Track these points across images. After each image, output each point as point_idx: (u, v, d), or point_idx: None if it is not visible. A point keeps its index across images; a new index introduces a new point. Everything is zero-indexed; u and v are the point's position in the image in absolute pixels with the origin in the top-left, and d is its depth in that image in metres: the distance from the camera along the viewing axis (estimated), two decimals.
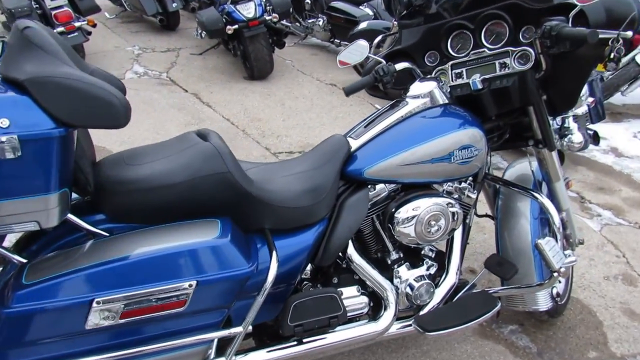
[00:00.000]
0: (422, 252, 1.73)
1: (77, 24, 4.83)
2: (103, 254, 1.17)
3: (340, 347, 1.57)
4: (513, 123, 1.79)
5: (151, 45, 6.33)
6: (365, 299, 1.63)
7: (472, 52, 1.71)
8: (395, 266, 1.69)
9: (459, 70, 1.73)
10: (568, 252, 1.71)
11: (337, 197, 1.58)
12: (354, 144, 1.61)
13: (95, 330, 1.11)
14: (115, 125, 1.11)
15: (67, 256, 1.19)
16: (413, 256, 1.72)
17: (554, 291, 1.84)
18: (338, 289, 1.53)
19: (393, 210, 1.58)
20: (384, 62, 1.79)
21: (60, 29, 4.73)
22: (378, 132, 1.60)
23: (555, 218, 1.68)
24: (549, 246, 1.61)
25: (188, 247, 1.18)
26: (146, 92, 4.73)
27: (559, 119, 2.01)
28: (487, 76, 1.67)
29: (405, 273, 1.68)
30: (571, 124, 1.96)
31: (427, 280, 1.67)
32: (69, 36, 4.82)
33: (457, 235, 1.76)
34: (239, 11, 4.72)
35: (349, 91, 1.79)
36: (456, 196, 1.72)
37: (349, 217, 1.56)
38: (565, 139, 1.97)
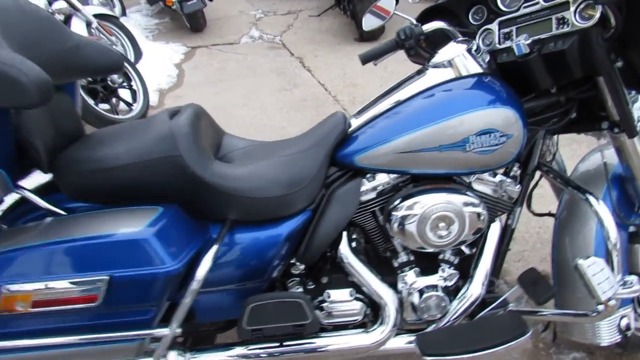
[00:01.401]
0: (441, 256, 1.42)
1: None
2: (61, 230, 1.14)
3: (322, 356, 1.37)
4: (581, 98, 1.35)
5: (274, 8, 6.36)
6: (358, 305, 1.39)
7: (524, 4, 1.30)
8: (402, 270, 1.41)
9: (507, 30, 1.34)
10: (632, 278, 1.25)
11: (328, 185, 1.35)
12: (354, 124, 1.36)
13: (10, 315, 1.09)
14: (26, 104, 1.03)
15: (9, 235, 1.18)
16: (427, 260, 1.42)
17: (623, 322, 1.39)
18: (306, 296, 1.31)
19: (392, 205, 1.30)
20: (412, 21, 1.48)
21: None
22: (380, 111, 1.31)
23: (611, 232, 1.24)
24: (594, 269, 1.19)
25: (104, 238, 1.08)
26: (253, 57, 4.77)
27: None
28: (537, 37, 1.26)
29: (412, 279, 1.39)
30: None
31: (438, 292, 1.37)
32: (188, 3, 5.03)
33: (491, 237, 1.41)
34: None
35: (365, 59, 1.51)
36: (491, 191, 1.36)
37: (335, 211, 1.32)
38: None
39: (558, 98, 1.33)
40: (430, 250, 1.34)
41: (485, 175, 1.36)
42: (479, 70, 1.31)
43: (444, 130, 1.22)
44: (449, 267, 1.41)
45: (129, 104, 3.58)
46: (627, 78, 1.24)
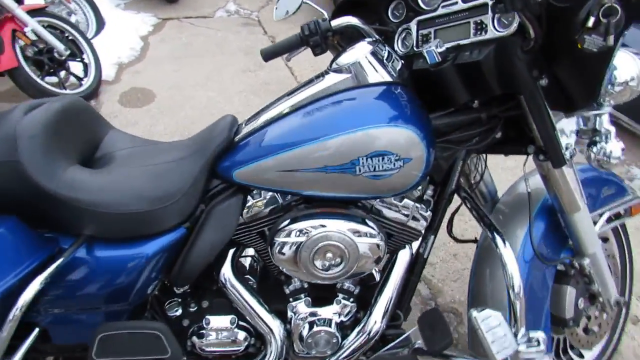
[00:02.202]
0: (339, 285, 1.27)
1: None
2: None
3: None
4: (507, 117, 1.17)
5: None
6: (240, 334, 1.24)
7: (443, 3, 1.12)
8: (294, 298, 1.26)
9: (426, 31, 1.16)
10: (538, 335, 1.09)
11: (209, 199, 1.18)
12: (244, 131, 1.18)
13: None
14: None
15: None
16: (322, 289, 1.26)
17: None
18: (165, 326, 1.15)
19: (276, 228, 1.14)
20: (323, 13, 1.30)
21: None
22: (268, 119, 1.13)
23: (515, 280, 1.07)
24: (489, 324, 1.04)
25: None
26: (224, 33, 4.54)
27: (583, 116, 1.28)
28: (452, 43, 1.08)
29: (302, 310, 1.24)
30: (605, 124, 1.20)
31: (329, 327, 1.22)
32: None
33: (398, 266, 1.25)
34: None
35: (266, 55, 1.34)
36: (395, 216, 1.19)
37: (213, 229, 1.16)
38: (595, 149, 1.22)
39: (479, 115, 1.16)
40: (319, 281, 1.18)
41: (390, 198, 1.19)
42: (386, 78, 1.13)
43: (329, 149, 1.04)
44: (346, 299, 1.25)
45: (79, 78, 3.37)
46: (553, 98, 1.07)
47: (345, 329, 1.26)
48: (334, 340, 1.23)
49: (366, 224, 1.13)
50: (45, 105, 1.16)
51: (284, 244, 1.12)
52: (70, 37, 3.35)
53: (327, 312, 1.24)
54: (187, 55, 4.07)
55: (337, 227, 1.10)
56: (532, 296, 1.22)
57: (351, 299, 1.26)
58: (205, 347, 1.25)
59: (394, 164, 1.04)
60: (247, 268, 1.32)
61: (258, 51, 4.33)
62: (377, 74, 1.12)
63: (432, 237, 1.28)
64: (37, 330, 1.16)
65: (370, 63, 1.12)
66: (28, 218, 1.08)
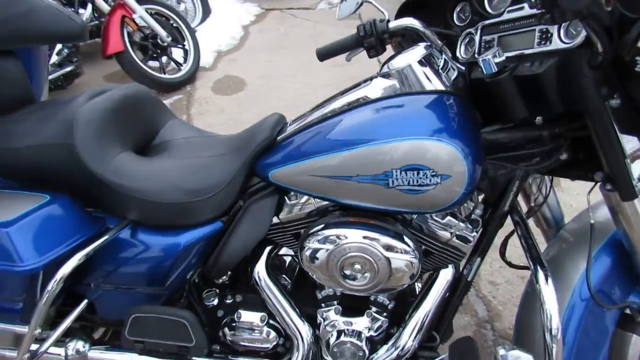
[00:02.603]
0: (372, 297, 1.22)
1: None
2: None
3: None
4: (575, 137, 1.04)
5: None
6: (270, 332, 1.24)
7: (510, 7, 1.02)
8: (325, 305, 1.23)
9: (490, 37, 1.06)
10: None
11: (249, 196, 1.19)
12: (288, 130, 1.17)
13: None
14: None
15: None
16: (355, 300, 1.22)
17: None
18: (193, 316, 1.18)
19: (308, 233, 1.12)
20: (384, 13, 1.25)
21: None
22: (309, 122, 1.11)
23: (553, 321, 0.95)
24: None
25: None
26: (322, 25, 4.57)
27: None
28: (512, 53, 0.98)
29: (332, 317, 1.21)
30: None
31: (357, 340, 1.18)
32: None
33: (438, 285, 1.17)
34: None
35: (321, 55, 1.31)
36: (436, 234, 1.12)
37: (247, 227, 1.17)
38: None
39: (540, 133, 1.04)
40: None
41: (433, 215, 1.12)
42: (437, 86, 1.05)
43: (362, 159, 0.99)
44: (379, 313, 1.20)
45: (178, 64, 3.59)
46: (627, 121, 0.93)
47: (375, 343, 1.21)
48: (360, 354, 1.18)
49: (400, 239, 1.07)
50: (108, 92, 1.23)
51: (313, 249, 1.09)
52: (174, 25, 3.56)
53: (356, 323, 1.20)
54: (282, 46, 4.16)
55: (367, 239, 1.06)
56: (586, 340, 1.09)
57: (384, 314, 1.21)
58: (235, 341, 1.26)
59: (430, 180, 0.97)
60: (285, 268, 1.32)
61: None
62: (425, 82, 1.05)
63: (479, 259, 1.18)
64: (85, 302, 1.25)
65: (419, 69, 1.05)
66: (80, 197, 1.16)
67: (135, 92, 1.30)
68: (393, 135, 0.98)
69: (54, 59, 3.14)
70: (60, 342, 1.26)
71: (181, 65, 3.58)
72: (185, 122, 1.44)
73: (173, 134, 1.35)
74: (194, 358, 1.20)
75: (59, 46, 3.14)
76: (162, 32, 3.35)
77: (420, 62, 1.05)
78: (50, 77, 3.12)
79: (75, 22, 1.43)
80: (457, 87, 1.07)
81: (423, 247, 1.14)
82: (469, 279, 1.19)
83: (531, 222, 1.34)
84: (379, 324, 1.20)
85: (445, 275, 1.17)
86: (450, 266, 1.17)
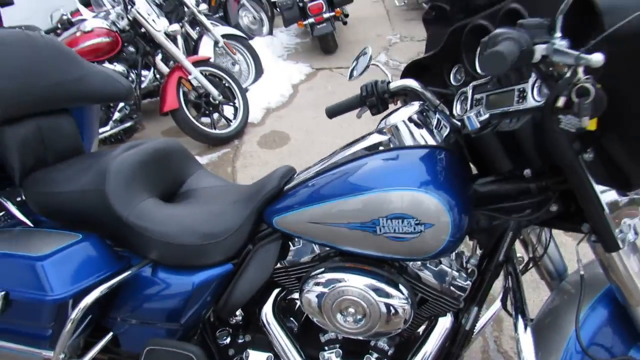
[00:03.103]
0: (372, 342, 1.26)
1: (325, 16, 5.16)
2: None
3: None
4: (561, 189, 1.08)
5: (413, 33, 6.23)
6: None
7: None
8: (327, 348, 1.28)
9: (479, 96, 1.14)
10: None
11: (257, 241, 1.29)
12: (293, 182, 1.27)
13: None
14: None
15: None
16: (356, 344, 1.26)
17: None
18: (200, 351, 1.25)
19: (308, 276, 1.19)
20: (387, 75, 1.36)
21: (311, 20, 5.16)
22: (312, 173, 1.21)
23: None
24: None
25: (8, 256, 1.18)
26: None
27: None
28: (497, 110, 1.05)
29: None
30: None
31: None
32: (318, 27, 5.21)
33: (436, 333, 1.20)
34: None
35: (330, 113, 1.42)
36: (430, 282, 1.17)
37: (254, 269, 1.26)
38: None
39: (528, 185, 1.08)
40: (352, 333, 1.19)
41: (426, 263, 1.17)
42: (429, 141, 1.13)
43: (353, 207, 1.07)
44: (378, 358, 1.24)
45: (228, 120, 3.84)
46: (603, 173, 0.96)
47: None
48: None
49: (394, 285, 1.12)
50: (141, 146, 1.40)
51: (311, 292, 1.16)
52: (226, 84, 3.85)
53: None
54: (328, 102, 4.31)
55: (359, 284, 1.12)
56: None
57: (384, 359, 1.24)
58: None
59: (414, 228, 1.03)
60: (293, 310, 1.39)
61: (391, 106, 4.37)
62: (417, 137, 1.13)
63: (476, 309, 1.20)
64: (110, 334, 1.37)
65: (408, 126, 1.13)
66: (109, 238, 1.30)
67: (165, 146, 1.45)
68: (381, 186, 1.05)
69: (116, 115, 3.48)
70: None
71: (231, 121, 3.84)
72: (212, 172, 1.58)
73: (198, 183, 1.49)
74: None
75: (121, 104, 3.49)
76: (214, 92, 3.63)
77: (411, 119, 1.14)
78: (112, 131, 3.45)
79: (122, 85, 1.64)
80: (449, 142, 1.14)
81: (419, 294, 1.19)
82: (467, 328, 1.21)
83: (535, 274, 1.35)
84: None
85: (444, 323, 1.20)
86: (449, 314, 1.20)
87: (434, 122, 1.17)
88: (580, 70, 0.78)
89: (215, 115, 3.78)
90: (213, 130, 3.71)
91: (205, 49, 4.28)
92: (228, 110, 3.89)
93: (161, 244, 1.25)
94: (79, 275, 1.20)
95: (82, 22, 3.44)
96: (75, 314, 1.16)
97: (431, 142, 1.13)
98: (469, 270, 1.18)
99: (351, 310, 1.14)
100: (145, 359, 1.27)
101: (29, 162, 1.39)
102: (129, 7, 3.35)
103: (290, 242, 1.26)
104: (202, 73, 3.61)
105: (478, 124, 1.04)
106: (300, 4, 5.27)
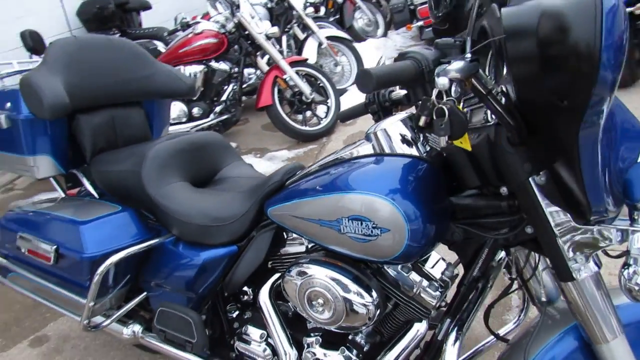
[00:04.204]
0: (351, 335, 1.33)
1: None
2: (59, 207, 1.62)
3: None
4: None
5: None
6: (266, 349, 1.44)
7: None
8: (311, 334, 1.38)
9: (467, 110, 1.17)
10: None
11: (260, 229, 1.43)
12: (294, 178, 1.39)
13: (18, 252, 1.60)
14: (40, 115, 1.48)
15: (49, 202, 1.69)
16: (336, 335, 1.34)
17: None
18: (199, 317, 1.43)
19: (291, 266, 1.31)
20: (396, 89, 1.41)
21: (419, 23, 5.15)
22: (307, 172, 1.32)
23: None
24: None
25: (61, 218, 1.47)
26: None
27: (616, 232, 0.94)
28: (472, 126, 1.08)
29: (313, 346, 1.35)
30: (637, 244, 0.88)
31: None
32: (427, 30, 5.18)
33: (408, 337, 1.24)
34: None
35: (342, 118, 1.50)
36: (402, 287, 1.22)
37: (251, 254, 1.41)
38: (625, 273, 0.90)
39: (500, 203, 1.08)
40: (315, 322, 1.28)
41: (398, 267, 1.22)
42: (406, 151, 1.18)
43: (324, 205, 1.16)
44: (350, 350, 1.31)
45: (319, 118, 4.03)
46: (557, 200, 0.94)
47: None
48: None
49: (360, 284, 1.19)
50: (182, 137, 1.62)
51: (289, 279, 1.28)
52: (321, 84, 4.04)
53: (331, 356, 1.32)
54: None
55: (328, 278, 1.20)
56: None
57: (358, 354, 1.31)
58: (241, 350, 1.49)
59: (372, 231, 1.09)
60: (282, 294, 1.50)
61: None
62: (394, 146, 1.18)
63: (448, 320, 1.22)
64: (144, 294, 1.61)
65: (389, 135, 1.19)
66: (145, 210, 1.55)
67: (205, 138, 1.66)
68: (348, 189, 1.13)
69: (218, 108, 3.86)
70: (123, 322, 1.65)
71: (321, 119, 4.02)
72: (248, 164, 1.75)
73: (230, 173, 1.68)
74: (193, 356, 1.46)
75: (223, 98, 3.87)
76: (306, 91, 3.84)
77: (394, 128, 1.19)
78: (212, 122, 3.83)
79: (185, 83, 1.89)
80: (431, 154, 1.17)
81: (392, 298, 1.24)
82: (439, 338, 1.23)
83: None
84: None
85: (418, 328, 1.24)
86: (424, 321, 1.24)
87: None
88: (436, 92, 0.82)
89: (308, 113, 3.99)
90: (303, 127, 3.93)
91: (309, 50, 4.52)
92: (321, 109, 4.07)
93: (178, 222, 1.45)
94: (110, 239, 1.45)
95: (196, 24, 3.86)
96: (101, 269, 1.40)
97: (410, 151, 1.17)
98: (442, 281, 1.21)
99: (320, 301, 1.23)
100: (158, 317, 1.49)
101: (99, 145, 1.69)
102: (235, 11, 3.69)
103: (284, 233, 1.38)
104: (298, 73, 3.84)
105: (446, 139, 1.07)
106: (412, 7, 5.29)
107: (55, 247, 1.47)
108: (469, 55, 0.83)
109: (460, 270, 1.27)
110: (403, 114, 1.24)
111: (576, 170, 0.83)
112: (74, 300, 1.52)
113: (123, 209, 1.52)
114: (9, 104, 1.60)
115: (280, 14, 4.46)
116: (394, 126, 1.20)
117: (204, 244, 1.45)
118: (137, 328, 1.63)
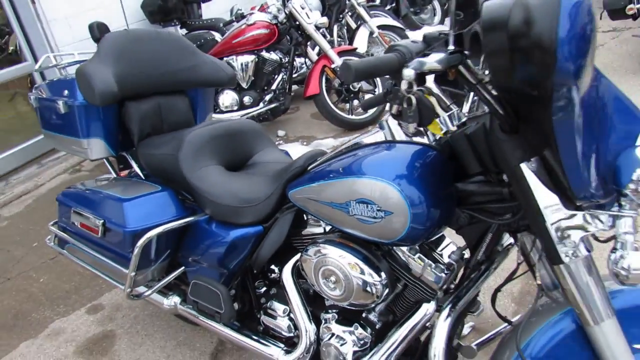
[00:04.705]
0: (364, 313, 1.40)
1: None
2: (108, 186, 1.79)
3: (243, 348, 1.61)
4: None
5: (601, 23, 5.59)
6: (288, 324, 1.54)
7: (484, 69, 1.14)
8: (328, 310, 1.46)
9: (476, 98, 1.20)
10: None
11: (284, 210, 1.52)
12: (315, 163, 1.47)
13: (75, 227, 1.78)
14: (92, 102, 1.65)
15: (102, 181, 1.87)
16: (352, 312, 1.42)
17: None
18: (227, 290, 1.54)
19: (309, 245, 1.39)
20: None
21: None
22: (327, 157, 1.39)
23: (437, 348, 0.99)
24: None
25: (108, 196, 1.63)
26: None
27: (607, 217, 0.92)
28: (469, 115, 1.12)
29: (330, 322, 1.44)
30: (622, 229, 0.86)
31: (341, 346, 1.38)
32: None
33: (415, 317, 1.29)
34: None
35: (364, 106, 1.56)
36: (410, 267, 1.27)
37: (274, 234, 1.50)
38: (612, 257, 0.90)
39: (501, 189, 1.11)
40: (330, 298, 1.36)
41: (406, 249, 1.27)
42: (419, 139, 1.22)
43: (334, 188, 1.23)
44: (364, 328, 1.38)
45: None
46: (547, 182, 0.97)
47: (358, 354, 1.38)
48: (341, 358, 1.38)
49: (369, 264, 1.26)
50: (216, 124, 1.74)
51: (306, 258, 1.37)
52: None
53: (344, 332, 1.40)
54: None
55: (338, 257, 1.28)
56: None
57: (371, 331, 1.38)
58: (266, 323, 1.60)
59: (376, 214, 1.15)
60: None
61: None
62: (403, 134, 1.23)
63: (452, 300, 1.26)
64: (182, 268, 1.75)
65: (400, 124, 1.24)
66: (183, 191, 1.68)
67: (240, 125, 1.77)
68: (357, 173, 1.20)
69: (267, 97, 3.99)
70: (164, 293, 1.80)
71: (368, 110, 4.05)
72: (281, 150, 1.85)
73: (263, 158, 1.78)
74: (223, 327, 1.59)
75: (273, 86, 4.00)
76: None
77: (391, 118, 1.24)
78: (261, 110, 3.97)
79: (226, 73, 2.01)
80: (439, 142, 1.21)
81: (401, 279, 1.30)
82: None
83: None
84: (363, 338, 1.38)
85: (426, 309, 1.29)
86: (432, 302, 1.29)
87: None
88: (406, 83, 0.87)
89: (355, 102, 4.03)
90: (349, 116, 3.98)
91: (360, 39, 4.54)
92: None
93: (210, 202, 1.57)
94: (150, 216, 1.59)
95: (250, 15, 4.00)
96: (140, 242, 1.54)
97: (420, 139, 1.22)
98: (448, 264, 1.25)
99: (332, 278, 1.31)
100: (191, 289, 1.63)
101: (146, 130, 1.84)
102: (287, 1, 3.79)
103: (305, 215, 1.47)
104: None
105: (451, 126, 1.11)
106: None
107: (102, 221, 1.63)
108: (451, 47, 0.88)
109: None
110: None
111: (557, 156, 0.86)
112: (118, 270, 1.68)
113: (163, 189, 1.66)
114: (66, 92, 1.78)
115: (333, 4, 4.51)
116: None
117: (233, 223, 1.56)
118: (176, 300, 1.78)
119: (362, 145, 1.28)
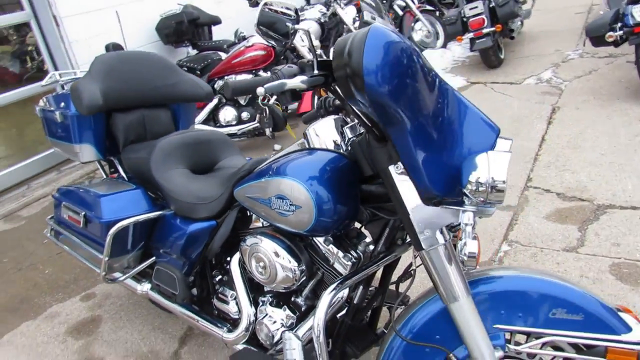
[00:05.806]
0: (293, 297, 1.63)
1: (485, 31, 5.19)
2: (93, 184, 2.08)
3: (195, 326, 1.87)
4: None
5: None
6: (234, 307, 1.78)
7: None
8: (265, 296, 1.70)
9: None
10: None
11: (233, 208, 1.77)
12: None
13: (65, 219, 2.07)
14: (80, 112, 1.94)
15: (92, 181, 2.16)
16: (282, 296, 1.66)
17: None
18: (181, 274, 1.80)
19: (247, 235, 1.64)
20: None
21: (470, 35, 5.25)
22: (268, 161, 1.64)
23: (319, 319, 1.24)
24: None
25: (90, 192, 1.92)
26: (513, 100, 4.67)
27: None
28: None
29: (265, 304, 1.68)
30: (464, 220, 1.07)
31: (270, 324, 1.61)
32: (477, 41, 5.27)
33: (326, 299, 1.52)
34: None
35: (304, 120, 1.80)
36: (323, 256, 1.52)
37: (223, 228, 1.75)
38: (459, 245, 1.12)
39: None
40: (265, 282, 1.60)
41: (320, 240, 1.51)
42: (330, 147, 1.47)
43: (261, 187, 1.48)
44: (292, 310, 1.61)
45: None
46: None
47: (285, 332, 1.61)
48: (270, 335, 1.61)
49: (290, 252, 1.50)
50: (188, 133, 2.01)
51: (243, 246, 1.61)
52: None
53: (274, 312, 1.64)
54: None
55: (267, 245, 1.53)
56: None
57: (297, 312, 1.61)
58: (218, 307, 1.85)
59: (289, 207, 1.40)
60: None
61: (528, 120, 4.63)
62: (320, 143, 1.48)
63: (361, 287, 1.49)
64: (153, 258, 2.02)
65: (318, 134, 1.49)
66: (155, 190, 1.96)
67: (208, 135, 2.05)
68: (279, 174, 1.45)
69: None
70: (137, 279, 2.07)
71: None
72: (245, 158, 2.11)
73: (227, 164, 2.05)
74: (182, 308, 1.84)
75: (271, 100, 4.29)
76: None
77: (317, 128, 1.49)
78: (257, 125, 4.26)
79: (203, 90, 2.30)
80: (349, 151, 1.45)
81: (321, 267, 1.54)
82: (355, 302, 1.51)
83: None
84: (290, 318, 1.62)
85: (340, 294, 1.52)
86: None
87: (347, 131, 1.48)
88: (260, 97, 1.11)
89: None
90: None
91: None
92: None
93: (174, 199, 1.84)
94: (122, 209, 1.88)
95: (250, 37, 4.32)
96: (112, 231, 1.82)
97: (331, 147, 1.46)
98: (354, 254, 1.48)
99: (261, 264, 1.56)
100: (154, 274, 1.90)
101: (130, 138, 2.14)
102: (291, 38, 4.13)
103: (248, 211, 1.72)
104: None
105: (349, 135, 1.36)
106: (465, 19, 5.40)
107: (84, 213, 1.92)
108: (316, 72, 1.13)
109: None
110: (330, 118, 1.53)
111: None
112: (97, 257, 1.96)
113: (136, 187, 1.94)
114: (63, 104, 2.09)
115: (331, 28, 4.81)
116: (325, 126, 1.50)
117: (192, 218, 1.83)
118: (147, 286, 2.05)
119: (292, 151, 1.53)
